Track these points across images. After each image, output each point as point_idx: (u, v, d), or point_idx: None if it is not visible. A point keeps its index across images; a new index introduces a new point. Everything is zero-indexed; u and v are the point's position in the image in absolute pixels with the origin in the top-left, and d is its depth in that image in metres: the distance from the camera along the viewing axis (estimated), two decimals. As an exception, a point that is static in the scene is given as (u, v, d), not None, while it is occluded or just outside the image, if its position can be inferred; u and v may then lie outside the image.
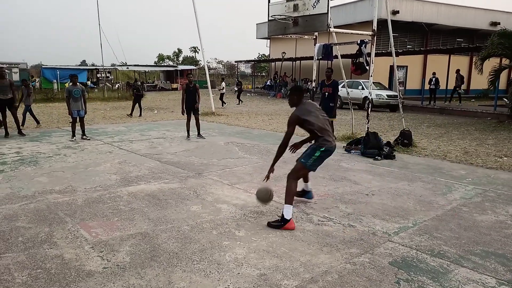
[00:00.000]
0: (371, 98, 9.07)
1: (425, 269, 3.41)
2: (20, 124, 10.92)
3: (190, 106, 10.05)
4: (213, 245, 3.82)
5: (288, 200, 4.30)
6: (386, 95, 18.84)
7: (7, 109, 9.99)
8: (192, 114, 10.14)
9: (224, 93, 21.52)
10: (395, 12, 25.13)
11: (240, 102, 23.56)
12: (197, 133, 10.29)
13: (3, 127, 10.16)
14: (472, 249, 3.83)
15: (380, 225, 4.42)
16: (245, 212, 4.75)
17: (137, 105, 15.83)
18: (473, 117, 16.62)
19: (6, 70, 14.93)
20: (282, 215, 4.27)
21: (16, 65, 32.84)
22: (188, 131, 10.20)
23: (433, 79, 20.28)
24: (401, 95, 20.79)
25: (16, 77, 28.82)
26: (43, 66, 36.31)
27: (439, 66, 22.80)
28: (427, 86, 21.06)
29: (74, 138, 9.66)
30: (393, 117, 16.09)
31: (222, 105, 20.93)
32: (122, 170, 6.73)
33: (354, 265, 3.46)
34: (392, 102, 18.62)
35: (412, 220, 4.61)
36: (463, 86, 22.48)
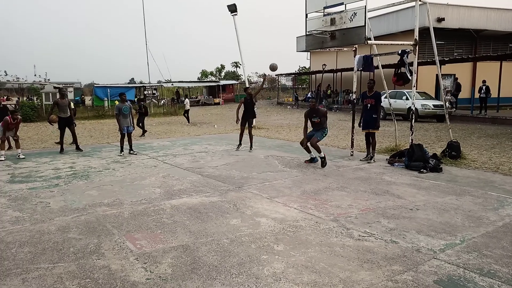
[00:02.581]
0: (414, 109, 8.78)
1: (474, 289, 3.24)
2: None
3: (248, 118, 10.56)
4: (252, 259, 3.85)
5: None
6: (433, 105, 18.15)
7: (66, 127, 10.70)
8: (247, 125, 10.63)
9: (189, 109, 21.13)
10: (440, 20, 24.33)
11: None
12: (249, 147, 10.63)
13: (59, 143, 10.86)
14: (527, 269, 3.59)
15: (425, 242, 4.25)
16: (284, 226, 4.75)
17: (140, 125, 14.96)
18: (529, 127, 15.58)
19: (69, 89, 15.95)
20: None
21: (71, 85, 35.10)
22: (240, 141, 10.68)
23: (483, 87, 19.31)
24: (451, 103, 20.15)
25: (70, 96, 30.78)
26: (95, 85, 38.49)
27: (490, 74, 21.68)
28: (477, 95, 20.07)
29: (122, 153, 10.14)
30: (441, 128, 15.43)
31: (188, 122, 20.36)
32: (165, 183, 6.97)
33: (396, 283, 3.35)
34: (439, 112, 17.89)
35: (459, 236, 4.39)
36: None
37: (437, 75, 21.00)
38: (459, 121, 18.36)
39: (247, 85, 19.37)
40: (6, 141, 10.77)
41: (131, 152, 10.26)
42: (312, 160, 8.65)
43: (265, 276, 3.50)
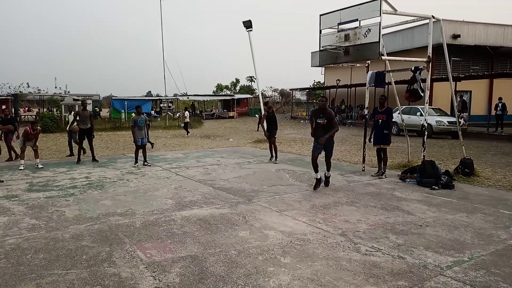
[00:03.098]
0: (427, 125, 8.76)
1: (479, 306, 3.23)
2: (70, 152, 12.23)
3: (271, 130, 11.11)
4: (258, 270, 3.91)
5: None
6: (447, 121, 17.99)
7: (85, 138, 11.01)
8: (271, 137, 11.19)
9: (188, 121, 21.70)
10: (456, 36, 24.25)
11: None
12: (274, 157, 11.11)
13: (77, 154, 11.15)
14: (535, 288, 3.55)
15: (432, 258, 4.24)
16: (291, 239, 4.80)
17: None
18: (547, 145, 15.28)
19: (88, 101, 16.34)
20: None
21: (90, 97, 35.95)
22: (271, 153, 11.26)
23: (499, 104, 19.08)
24: (464, 119, 19.96)
25: (89, 107, 31.49)
26: (113, 98, 39.36)
27: (507, 91, 21.43)
28: (493, 112, 19.82)
29: (137, 164, 10.36)
30: (455, 145, 15.25)
31: (187, 134, 20.85)
32: (177, 195, 7.10)
33: (401, 298, 3.37)
34: (453, 129, 17.71)
35: (468, 254, 4.37)
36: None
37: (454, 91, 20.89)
38: (475, 138, 18.12)
39: (261, 100, 19.62)
40: (8, 152, 11.17)
41: (145, 163, 10.46)
42: (319, 183, 7.60)
43: (270, 287, 3.55)
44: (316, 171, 7.51)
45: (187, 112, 22.95)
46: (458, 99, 22.52)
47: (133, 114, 26.13)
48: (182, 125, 22.09)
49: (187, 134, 20.90)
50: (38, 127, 10.46)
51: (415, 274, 3.85)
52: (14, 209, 6.11)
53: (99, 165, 10.56)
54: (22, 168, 9.74)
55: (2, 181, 8.15)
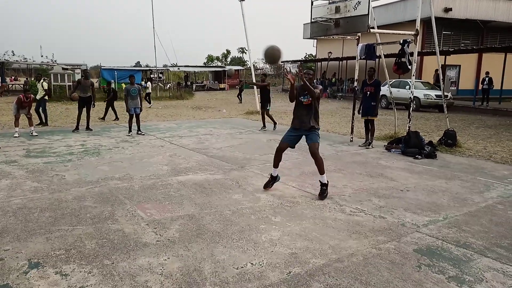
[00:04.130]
0: (413, 98, 9.08)
1: (448, 257, 3.62)
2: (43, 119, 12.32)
3: (264, 102, 11.77)
4: (251, 227, 4.26)
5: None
6: (435, 95, 18.37)
7: (85, 106, 11.13)
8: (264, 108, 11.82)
9: (150, 92, 21.50)
10: (447, 10, 24.32)
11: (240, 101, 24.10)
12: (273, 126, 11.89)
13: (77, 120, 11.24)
14: (499, 242, 3.97)
15: (410, 218, 4.63)
16: (282, 202, 5.15)
17: (111, 108, 14.30)
18: (529, 119, 15.80)
19: (89, 71, 16.15)
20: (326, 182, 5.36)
21: (78, 66, 35.44)
22: (263, 123, 12.00)
23: (486, 78, 19.47)
24: (449, 94, 20.39)
25: (78, 77, 31.11)
26: (102, 67, 38.80)
27: (495, 65, 21.76)
28: (480, 86, 20.23)
29: (131, 133, 10.55)
30: (441, 118, 15.64)
31: (149, 105, 20.55)
32: (172, 162, 7.37)
33: (379, 250, 3.75)
34: (440, 102, 18.10)
35: (443, 214, 4.77)
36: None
37: (442, 65, 21.21)
38: (461, 112, 18.60)
39: (253, 72, 19.71)
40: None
41: (139, 132, 10.65)
42: (274, 180, 5.67)
43: (262, 241, 3.90)
44: (276, 166, 5.59)
45: (149, 83, 22.83)
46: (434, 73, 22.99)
47: (123, 84, 25.93)
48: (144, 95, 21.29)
49: (149, 105, 20.30)
50: (31, 95, 10.51)
51: (393, 231, 4.24)
52: (15, 173, 6.33)
53: (93, 134, 10.73)
54: (16, 135, 9.87)
55: (-1, 148, 8.31)
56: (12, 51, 48.88)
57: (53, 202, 4.97)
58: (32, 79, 35.62)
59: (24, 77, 42.39)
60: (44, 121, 12.49)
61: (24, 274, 3.20)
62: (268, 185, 5.63)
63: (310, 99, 5.28)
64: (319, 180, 5.39)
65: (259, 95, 11.90)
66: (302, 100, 5.32)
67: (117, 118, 14.12)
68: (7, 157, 7.57)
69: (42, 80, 12.87)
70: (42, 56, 48.51)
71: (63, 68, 26.92)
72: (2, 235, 3.93)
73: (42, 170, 6.57)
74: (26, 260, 3.43)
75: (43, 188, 5.58)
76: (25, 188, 5.56)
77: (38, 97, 12.31)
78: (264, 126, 11.93)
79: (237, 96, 25.00)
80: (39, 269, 3.29)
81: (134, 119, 10.68)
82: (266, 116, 11.92)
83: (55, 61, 43.03)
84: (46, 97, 12.55)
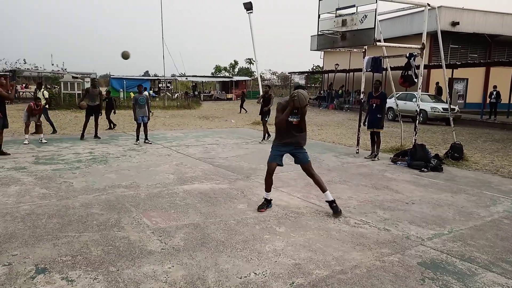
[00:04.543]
0: (419, 111, 9.09)
1: (452, 270, 3.61)
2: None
3: (264, 113, 11.70)
4: (255, 237, 4.28)
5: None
6: (442, 108, 18.33)
7: (93, 115, 11.29)
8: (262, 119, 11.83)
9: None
10: (454, 24, 24.39)
11: (244, 111, 24.18)
12: (264, 137, 11.79)
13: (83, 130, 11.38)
14: (505, 257, 3.95)
15: (415, 231, 4.63)
16: (286, 212, 5.17)
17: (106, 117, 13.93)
18: (538, 133, 15.69)
19: (97, 80, 16.07)
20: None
21: (88, 75, 35.90)
22: (263, 134, 11.92)
23: (494, 92, 19.42)
24: (456, 107, 20.38)
25: (87, 85, 31.52)
26: (111, 76, 39.31)
27: (503, 79, 21.70)
28: (488, 100, 20.16)
29: (138, 141, 10.66)
30: (448, 131, 15.57)
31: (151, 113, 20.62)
32: (178, 171, 7.44)
33: (383, 262, 3.75)
34: (448, 115, 18.05)
35: (448, 228, 4.75)
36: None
37: (450, 78, 21.19)
38: (468, 125, 18.52)
39: (260, 82, 19.86)
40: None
41: (146, 141, 10.76)
42: (267, 204, 5.34)
43: (266, 251, 3.92)
44: (269, 190, 5.34)
45: (145, 93, 22.88)
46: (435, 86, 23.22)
47: (132, 93, 26.14)
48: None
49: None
50: (41, 103, 10.68)
51: (398, 243, 4.23)
52: (24, 180, 6.44)
53: (101, 142, 10.86)
54: (26, 142, 10.02)
55: (9, 154, 8.44)
56: (24, 59, 49.65)
57: (60, 208, 5.04)
58: (42, 87, 36.13)
59: (34, 85, 43.05)
60: (53, 129, 12.60)
61: (31, 279, 3.25)
62: (262, 208, 5.21)
63: (299, 119, 5.17)
64: (326, 201, 5.17)
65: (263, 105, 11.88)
66: (291, 120, 5.15)
67: (110, 128, 14.03)
68: (16, 163, 7.69)
69: (42, 89, 13.05)
70: (52, 64, 49.19)
71: (73, 77, 27.30)
72: (10, 240, 4.00)
73: (50, 177, 6.66)
74: (33, 266, 3.48)
75: (51, 194, 5.66)
76: (34, 194, 5.64)
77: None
78: (269, 135, 11.87)
79: (240, 107, 25.05)
80: (45, 274, 3.34)
81: (142, 127, 10.80)
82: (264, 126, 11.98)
83: (65, 69, 43.66)
84: (47, 106, 12.61)
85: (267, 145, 10.89)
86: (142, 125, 10.77)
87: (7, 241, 3.99)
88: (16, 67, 39.53)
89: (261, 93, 18.70)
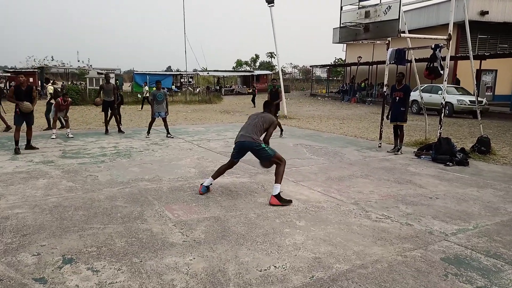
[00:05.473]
0: (444, 103, 8.85)
1: (477, 266, 3.53)
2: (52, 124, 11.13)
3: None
4: (275, 231, 4.30)
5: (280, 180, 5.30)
6: (469, 100, 17.78)
7: (109, 110, 11.51)
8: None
9: (147, 96, 20.80)
10: (484, 13, 23.53)
11: (254, 105, 24.05)
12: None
13: (105, 124, 11.67)
14: (533, 254, 3.82)
15: (439, 226, 4.53)
16: (307, 206, 5.16)
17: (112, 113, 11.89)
18: None
19: (111, 75, 15.65)
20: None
21: (112, 71, 36.67)
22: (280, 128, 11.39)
23: (525, 83, 18.65)
24: (484, 100, 19.73)
25: (112, 81, 32.19)
26: (134, 72, 39.96)
27: (535, 70, 20.85)
28: (518, 92, 19.42)
29: (149, 135, 10.87)
30: (475, 124, 15.10)
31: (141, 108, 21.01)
32: (200, 165, 7.52)
33: (405, 257, 3.70)
34: (475, 108, 17.51)
35: (473, 223, 4.64)
36: None
37: (477, 70, 20.52)
38: (496, 118, 17.91)
39: (281, 76, 19.75)
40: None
41: (168, 135, 10.92)
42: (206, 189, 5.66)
43: (286, 245, 3.93)
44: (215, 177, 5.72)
45: (146, 87, 23.15)
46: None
47: (154, 88, 26.59)
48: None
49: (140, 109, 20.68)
50: (69, 98, 10.99)
51: (420, 238, 4.16)
52: (52, 173, 6.66)
53: (125, 136, 11.09)
54: (54, 137, 10.34)
55: (38, 148, 8.74)
56: (52, 57, 51.17)
57: (86, 201, 5.20)
58: (69, 83, 37.18)
59: (61, 81, 44.30)
60: (51, 125, 11.36)
61: (59, 269, 3.37)
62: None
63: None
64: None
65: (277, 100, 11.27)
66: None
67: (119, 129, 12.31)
68: (44, 157, 7.95)
69: (50, 84, 13.20)
70: (78, 61, 50.59)
71: (98, 73, 27.93)
72: (39, 232, 4.16)
73: (76, 171, 6.87)
74: (60, 256, 3.61)
75: (77, 187, 5.84)
76: (61, 187, 5.83)
77: (48, 101, 12.28)
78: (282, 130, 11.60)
79: (252, 101, 25.26)
80: (72, 264, 3.46)
81: (162, 123, 10.95)
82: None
83: (91, 66, 44.72)
84: (52, 101, 11.90)
85: (288, 140, 10.88)
86: (161, 120, 10.92)
87: (36, 232, 4.15)
88: (44, 64, 40.75)
89: (282, 86, 18.69)
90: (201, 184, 5.71)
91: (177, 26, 60.33)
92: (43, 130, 11.82)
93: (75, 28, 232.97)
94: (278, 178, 5.31)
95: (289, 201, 5.23)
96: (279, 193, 5.22)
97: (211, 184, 5.75)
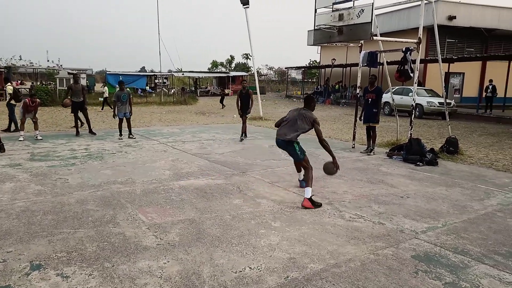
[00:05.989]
0: (414, 105, 9.10)
1: (445, 263, 3.65)
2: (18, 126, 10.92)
3: (243, 109, 11.03)
4: (251, 232, 4.30)
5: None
6: (438, 102, 18.37)
7: (79, 111, 11.21)
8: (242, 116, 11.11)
9: (106, 96, 20.97)
10: (451, 18, 24.37)
11: (224, 106, 24.22)
12: (243, 134, 11.18)
13: (75, 127, 11.38)
14: (497, 249, 3.98)
15: (409, 224, 4.65)
16: (282, 207, 5.19)
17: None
18: (533, 127, 15.76)
19: (79, 76, 15.20)
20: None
21: (84, 71, 35.77)
22: (242, 132, 11.16)
23: (490, 86, 19.47)
24: (452, 102, 20.45)
25: (83, 82, 31.39)
26: (107, 72, 39.11)
27: (499, 73, 21.74)
28: (483, 94, 20.23)
29: (122, 136, 10.67)
30: (444, 125, 15.63)
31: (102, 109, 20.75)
32: (174, 166, 7.44)
33: (377, 255, 3.78)
34: (444, 109, 18.10)
35: (442, 221, 4.79)
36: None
37: (446, 73, 21.21)
38: (464, 119, 18.58)
39: (256, 78, 19.81)
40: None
41: (131, 136, 10.76)
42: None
43: (261, 246, 3.94)
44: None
45: (106, 88, 22.98)
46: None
47: (128, 89, 25.98)
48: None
49: (101, 110, 20.29)
50: (37, 99, 10.63)
51: (392, 237, 4.26)
52: (19, 176, 6.42)
53: (97, 138, 10.83)
54: (21, 139, 9.97)
55: (4, 151, 8.41)
56: (20, 56, 49.39)
57: (55, 205, 5.04)
58: (38, 83, 36.00)
59: (30, 81, 42.82)
60: (11, 127, 11.57)
61: (26, 276, 3.26)
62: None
63: None
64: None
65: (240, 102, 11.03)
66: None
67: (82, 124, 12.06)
68: (11, 160, 7.66)
69: (9, 84, 12.65)
70: (48, 60, 48.99)
71: (68, 73, 27.17)
72: (5, 237, 4.00)
73: (45, 174, 6.65)
74: (28, 262, 3.49)
75: (47, 191, 5.65)
76: (29, 191, 5.63)
77: (7, 102, 11.67)
78: (245, 135, 11.32)
79: (220, 102, 25.26)
80: (40, 271, 3.34)
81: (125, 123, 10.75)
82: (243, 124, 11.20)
83: (61, 65, 43.44)
84: (12, 101, 11.45)
85: (263, 141, 10.90)
86: (125, 120, 10.73)
87: (1, 238, 3.99)
88: (11, 64, 39.29)
89: (257, 88, 18.74)
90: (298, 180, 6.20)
91: (151, 24, 59.47)
92: (1, 130, 11.36)
93: (44, 28, 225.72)
94: (309, 182, 5.38)
95: (319, 204, 5.26)
96: (311, 196, 5.25)
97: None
